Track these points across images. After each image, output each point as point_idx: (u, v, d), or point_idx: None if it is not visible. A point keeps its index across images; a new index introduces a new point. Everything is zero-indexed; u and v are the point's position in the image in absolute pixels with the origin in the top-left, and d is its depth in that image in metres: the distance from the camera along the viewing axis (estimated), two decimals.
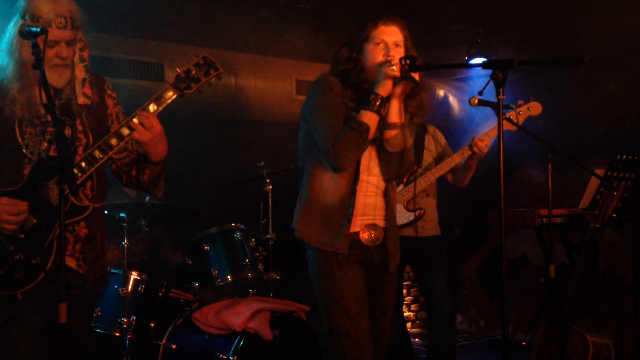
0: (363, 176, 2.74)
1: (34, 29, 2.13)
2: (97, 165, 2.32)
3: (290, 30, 5.20)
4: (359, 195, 2.73)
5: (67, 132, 2.34)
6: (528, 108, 3.65)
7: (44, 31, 2.13)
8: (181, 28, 4.70)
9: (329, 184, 2.71)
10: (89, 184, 2.39)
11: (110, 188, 3.62)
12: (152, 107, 2.35)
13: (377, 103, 2.61)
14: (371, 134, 2.64)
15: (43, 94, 2.09)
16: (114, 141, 2.32)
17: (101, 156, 2.32)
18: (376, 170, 2.80)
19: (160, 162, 2.44)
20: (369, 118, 2.62)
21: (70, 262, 2.36)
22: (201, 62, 2.42)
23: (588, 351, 3.50)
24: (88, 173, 2.31)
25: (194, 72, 2.40)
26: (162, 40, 4.72)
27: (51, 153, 2.27)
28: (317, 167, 2.73)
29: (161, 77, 4.53)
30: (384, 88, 2.62)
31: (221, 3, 4.61)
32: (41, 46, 2.11)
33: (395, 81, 2.62)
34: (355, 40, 2.76)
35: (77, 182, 2.28)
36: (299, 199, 2.81)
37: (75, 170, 2.28)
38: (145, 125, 2.30)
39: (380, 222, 2.80)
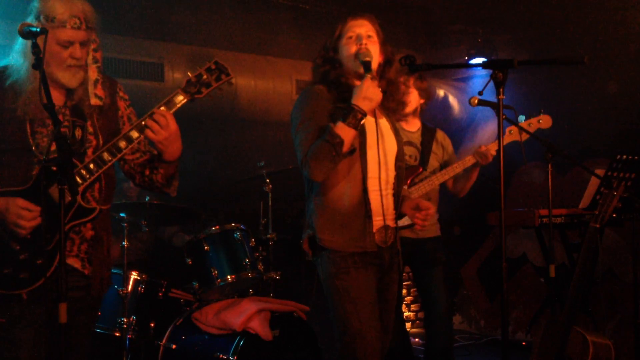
0: (373, 172, 2.73)
1: (33, 29, 2.13)
2: (105, 168, 2.32)
3: (290, 30, 5.20)
4: (371, 193, 2.72)
5: (78, 133, 2.34)
6: (538, 121, 3.69)
7: (44, 31, 2.12)
8: (181, 28, 4.70)
9: (344, 188, 2.69)
10: (97, 186, 2.38)
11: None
12: None
13: (356, 119, 2.55)
14: (346, 146, 2.56)
15: (43, 94, 2.09)
16: (122, 144, 2.32)
17: (110, 158, 2.31)
18: (390, 164, 2.80)
19: (174, 161, 2.43)
20: (345, 132, 2.55)
21: (75, 263, 2.36)
22: (213, 67, 2.40)
23: (588, 351, 3.50)
24: (96, 175, 2.30)
25: (205, 76, 2.39)
26: (162, 40, 4.72)
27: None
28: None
29: (161, 77, 4.53)
30: (366, 103, 2.56)
31: (221, 3, 4.61)
32: (41, 46, 2.11)
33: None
34: (329, 42, 2.81)
35: (86, 183, 2.28)
36: (314, 208, 2.75)
37: (84, 172, 2.28)
38: (161, 124, 2.29)
39: (391, 223, 2.81)
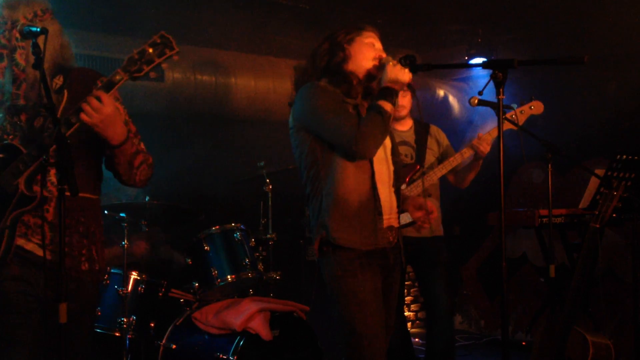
0: (377, 166, 2.74)
1: (33, 29, 2.13)
2: (45, 155, 2.21)
3: (290, 30, 5.20)
4: (380, 188, 2.73)
5: (37, 122, 2.30)
6: (530, 107, 3.66)
7: (44, 31, 2.12)
8: (181, 28, 4.69)
9: (353, 184, 2.69)
10: (52, 171, 2.31)
11: (108, 188, 3.58)
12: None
13: (392, 96, 2.68)
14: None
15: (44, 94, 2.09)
16: (63, 129, 2.21)
17: (50, 144, 2.21)
18: (389, 159, 2.82)
19: (121, 145, 2.32)
20: (390, 108, 2.67)
21: (36, 250, 2.31)
22: (158, 40, 2.27)
23: (588, 351, 3.50)
24: (38, 162, 2.21)
25: (150, 51, 2.26)
26: None
27: (15, 142, 2.26)
28: (336, 171, 2.69)
29: (161, 77, 4.52)
30: (399, 84, 2.70)
31: (221, 3, 4.61)
32: (41, 46, 2.11)
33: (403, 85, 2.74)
34: (342, 34, 2.82)
35: (27, 171, 2.22)
36: (325, 207, 2.71)
37: (26, 159, 2.22)
38: (93, 107, 2.19)
39: (395, 223, 2.82)
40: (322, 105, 2.70)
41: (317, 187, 2.75)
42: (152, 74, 2.29)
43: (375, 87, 2.82)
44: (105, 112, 2.21)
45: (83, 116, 2.20)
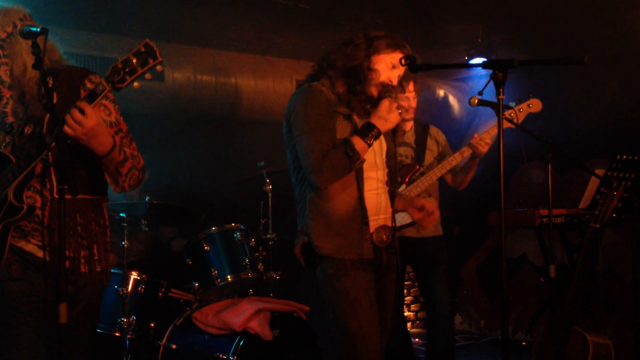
0: (368, 173, 2.73)
1: (33, 29, 2.12)
2: (33, 164, 2.22)
3: (290, 30, 5.20)
4: (367, 195, 2.72)
5: (27, 129, 2.28)
6: (528, 105, 3.66)
7: (44, 31, 2.12)
8: (181, 28, 4.70)
9: (339, 193, 2.68)
10: (46, 177, 2.29)
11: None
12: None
13: (372, 137, 2.62)
14: (361, 162, 2.64)
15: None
16: (48, 139, 2.20)
17: (37, 154, 2.20)
18: (381, 164, 2.80)
19: (107, 155, 2.29)
20: (362, 148, 2.60)
21: (35, 251, 2.31)
22: (142, 49, 2.22)
23: (588, 351, 3.50)
24: (26, 171, 2.22)
25: (134, 61, 2.20)
26: (162, 41, 4.72)
27: (6, 151, 2.24)
28: None
29: (161, 77, 4.52)
30: (382, 122, 2.63)
31: (221, 3, 4.61)
32: (41, 46, 2.10)
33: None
34: (367, 40, 2.73)
35: (16, 180, 2.21)
36: (309, 215, 2.71)
37: (15, 169, 2.22)
38: (76, 119, 2.15)
39: (389, 222, 2.81)
40: (306, 119, 2.65)
41: (303, 191, 2.75)
42: (136, 84, 2.23)
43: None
44: (88, 125, 2.16)
45: (66, 129, 2.16)
